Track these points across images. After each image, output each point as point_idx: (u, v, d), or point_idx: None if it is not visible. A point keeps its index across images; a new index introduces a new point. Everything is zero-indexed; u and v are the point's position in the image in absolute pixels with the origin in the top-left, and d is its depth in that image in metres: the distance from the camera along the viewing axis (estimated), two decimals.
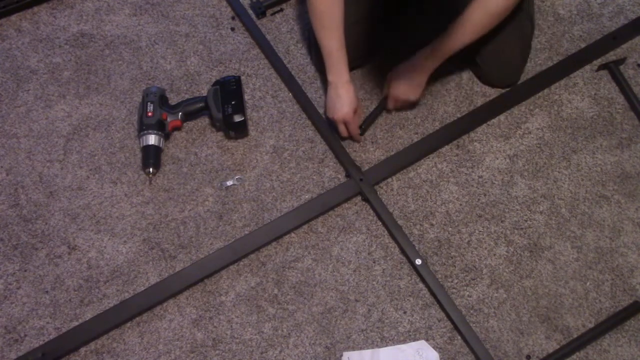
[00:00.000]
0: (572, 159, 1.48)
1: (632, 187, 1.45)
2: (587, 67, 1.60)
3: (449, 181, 1.46)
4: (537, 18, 1.65)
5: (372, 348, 1.28)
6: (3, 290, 1.35)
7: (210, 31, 1.68)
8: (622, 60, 1.58)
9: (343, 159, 1.46)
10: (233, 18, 1.70)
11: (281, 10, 1.70)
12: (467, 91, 1.57)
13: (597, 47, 1.62)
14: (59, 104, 1.57)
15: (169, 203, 1.44)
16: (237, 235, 1.40)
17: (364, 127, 1.50)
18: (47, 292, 1.35)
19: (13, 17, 1.70)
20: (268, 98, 1.58)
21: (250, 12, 1.70)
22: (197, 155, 1.50)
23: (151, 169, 1.45)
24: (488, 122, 1.53)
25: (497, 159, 1.49)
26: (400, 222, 1.40)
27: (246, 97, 1.57)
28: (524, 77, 1.58)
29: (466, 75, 1.59)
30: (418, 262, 1.33)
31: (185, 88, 1.59)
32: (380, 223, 1.41)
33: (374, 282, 1.35)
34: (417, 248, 1.37)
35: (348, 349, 1.29)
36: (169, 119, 1.48)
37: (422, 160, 1.49)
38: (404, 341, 1.29)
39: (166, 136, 1.50)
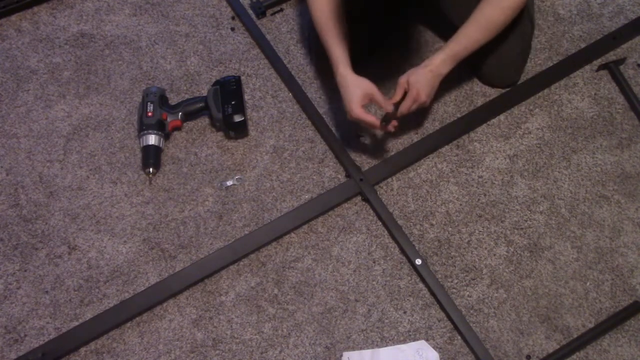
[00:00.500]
0: (572, 159, 1.48)
1: (632, 187, 1.45)
2: (587, 67, 1.60)
3: (449, 181, 1.46)
4: (537, 18, 1.65)
5: (372, 348, 1.28)
6: (3, 290, 1.35)
7: (210, 31, 1.68)
8: (622, 60, 1.58)
9: (343, 159, 1.46)
10: (233, 18, 1.70)
11: (281, 10, 1.70)
12: (467, 91, 1.57)
13: (597, 47, 1.62)
14: (59, 104, 1.57)
15: (169, 203, 1.44)
16: (237, 235, 1.40)
17: (386, 120, 1.35)
18: (47, 292, 1.35)
19: (13, 17, 1.70)
20: (268, 98, 1.58)
21: (250, 12, 1.70)
22: (197, 155, 1.50)
23: (151, 169, 1.45)
24: (488, 122, 1.53)
25: (497, 159, 1.49)
26: (400, 222, 1.40)
27: (246, 97, 1.57)
28: (524, 77, 1.58)
29: (466, 75, 1.59)
30: (418, 262, 1.33)
31: (185, 88, 1.59)
32: (380, 223, 1.41)
33: (374, 282, 1.35)
34: (417, 248, 1.37)
35: (348, 349, 1.29)
36: (169, 119, 1.48)
37: (422, 160, 1.49)
38: (404, 341, 1.29)
39: (166, 136, 1.50)
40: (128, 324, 1.31)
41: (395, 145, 1.51)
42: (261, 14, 1.69)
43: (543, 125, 1.53)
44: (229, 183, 1.46)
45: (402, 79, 1.32)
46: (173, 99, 1.56)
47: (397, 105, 1.33)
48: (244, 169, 1.48)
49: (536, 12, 1.64)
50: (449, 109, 1.55)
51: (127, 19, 1.70)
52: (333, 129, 1.51)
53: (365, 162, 1.48)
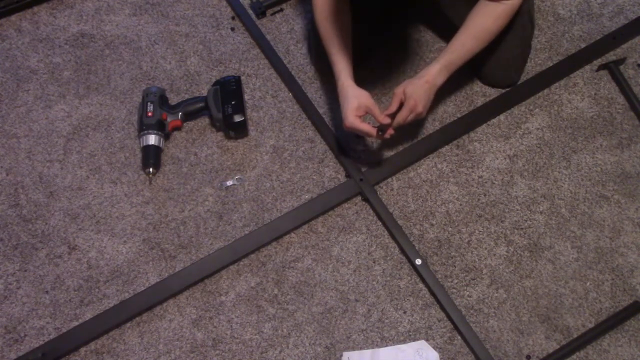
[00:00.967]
0: (572, 159, 1.48)
1: (632, 187, 1.45)
2: (587, 67, 1.60)
3: (449, 181, 1.46)
4: (537, 18, 1.65)
5: (372, 348, 1.28)
6: (3, 290, 1.35)
7: (210, 31, 1.68)
8: (622, 60, 1.58)
9: (343, 159, 1.46)
10: (233, 18, 1.70)
11: (281, 10, 1.70)
12: (467, 91, 1.57)
13: (597, 47, 1.62)
14: (59, 104, 1.58)
15: (169, 203, 1.44)
16: (237, 235, 1.40)
17: (382, 129, 1.35)
18: (47, 292, 1.35)
19: (13, 17, 1.70)
20: (268, 98, 1.58)
21: (250, 12, 1.70)
22: (197, 155, 1.50)
23: (151, 169, 1.45)
24: (488, 122, 1.53)
25: (497, 159, 1.49)
26: (400, 222, 1.40)
27: (246, 97, 1.57)
28: (524, 77, 1.58)
29: (466, 75, 1.59)
30: (418, 262, 1.33)
31: (185, 88, 1.59)
32: (380, 223, 1.41)
33: (374, 282, 1.35)
34: (417, 248, 1.37)
35: (348, 349, 1.29)
36: (169, 119, 1.48)
37: (422, 160, 1.49)
38: (404, 341, 1.29)
39: (166, 136, 1.50)
40: (128, 324, 1.31)
41: (395, 145, 1.51)
42: (261, 14, 1.69)
43: (543, 125, 1.53)
44: (229, 183, 1.46)
45: (398, 90, 1.30)
46: (173, 99, 1.56)
47: (392, 116, 1.32)
48: (244, 169, 1.48)
49: (536, 12, 1.64)
50: (449, 109, 1.55)
51: (127, 19, 1.70)
52: (333, 129, 1.51)
53: (365, 162, 1.48)
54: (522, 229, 1.40)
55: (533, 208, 1.42)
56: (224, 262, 1.35)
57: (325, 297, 1.34)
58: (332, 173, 1.48)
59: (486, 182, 1.46)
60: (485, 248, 1.38)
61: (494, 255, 1.37)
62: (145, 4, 1.73)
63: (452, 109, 1.55)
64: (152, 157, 1.45)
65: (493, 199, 1.44)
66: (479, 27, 1.31)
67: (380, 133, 1.33)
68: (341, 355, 1.28)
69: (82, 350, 1.29)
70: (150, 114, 1.46)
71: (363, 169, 1.45)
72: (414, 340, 1.29)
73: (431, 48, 1.63)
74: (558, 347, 1.28)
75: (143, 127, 1.46)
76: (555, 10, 1.69)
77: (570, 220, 1.41)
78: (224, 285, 1.35)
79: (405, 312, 1.32)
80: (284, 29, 1.68)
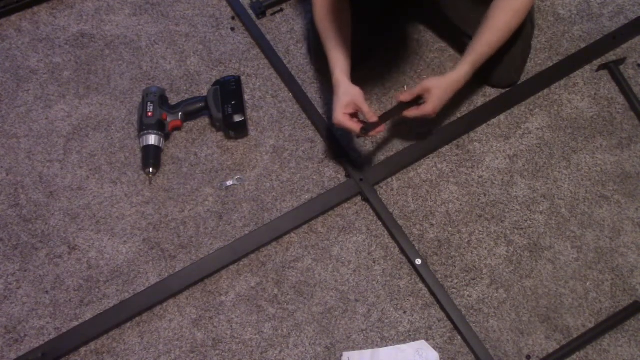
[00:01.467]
0: (572, 159, 1.48)
1: (632, 187, 1.45)
2: (587, 67, 1.60)
3: (449, 181, 1.46)
4: (537, 18, 1.65)
5: (372, 348, 1.28)
6: (3, 290, 1.35)
7: (210, 31, 1.68)
8: (622, 60, 1.58)
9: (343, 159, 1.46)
10: (233, 18, 1.70)
11: (281, 10, 1.70)
12: (467, 91, 1.57)
13: (597, 47, 1.62)
14: (59, 104, 1.58)
15: (169, 203, 1.44)
16: (237, 235, 1.40)
17: (366, 129, 1.32)
18: (47, 292, 1.35)
19: (13, 17, 1.70)
20: (268, 98, 1.58)
21: (250, 12, 1.70)
22: (197, 155, 1.50)
23: (151, 169, 1.45)
24: (488, 122, 1.53)
25: (497, 159, 1.49)
26: (400, 222, 1.40)
27: (246, 97, 1.57)
28: (524, 77, 1.58)
29: None
30: (418, 262, 1.33)
31: (185, 88, 1.59)
32: (380, 223, 1.41)
33: (374, 282, 1.35)
34: (417, 248, 1.37)
35: (348, 349, 1.29)
36: (169, 119, 1.48)
37: (422, 160, 1.49)
38: (404, 341, 1.29)
39: (166, 136, 1.50)
40: (128, 324, 1.31)
41: (395, 145, 1.51)
42: (261, 14, 1.69)
43: (543, 125, 1.53)
44: (229, 183, 1.46)
45: (427, 85, 1.29)
46: (173, 99, 1.56)
47: (384, 116, 1.31)
48: (244, 169, 1.48)
49: (536, 12, 1.64)
50: (449, 109, 1.55)
51: (127, 19, 1.70)
52: (333, 129, 1.51)
53: (365, 162, 1.48)
54: (522, 229, 1.40)
55: (533, 208, 1.42)
56: (224, 262, 1.35)
57: (325, 297, 1.34)
58: (332, 173, 1.48)
59: (486, 182, 1.46)
60: (485, 248, 1.38)
61: (494, 255, 1.37)
62: (145, 4, 1.73)
63: (452, 109, 1.55)
64: (152, 157, 1.45)
65: (493, 199, 1.44)
66: (500, 24, 1.31)
67: (363, 131, 1.29)
68: (341, 355, 1.28)
69: (82, 350, 1.29)
70: (150, 114, 1.46)
71: (363, 169, 1.45)
72: (414, 340, 1.29)
73: (431, 48, 1.63)
74: (558, 347, 1.28)
75: (143, 127, 1.46)
76: (555, 10, 1.69)
77: (570, 220, 1.41)
78: (224, 285, 1.35)
79: (405, 312, 1.32)
80: (284, 29, 1.68)
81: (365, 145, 1.51)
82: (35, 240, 1.40)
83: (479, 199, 1.44)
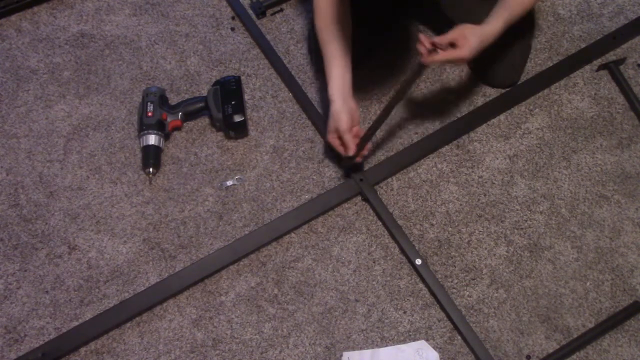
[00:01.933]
0: (572, 159, 1.48)
1: (632, 187, 1.45)
2: (587, 67, 1.60)
3: (449, 181, 1.46)
4: (537, 18, 1.65)
5: (372, 348, 1.28)
6: (3, 290, 1.35)
7: (210, 31, 1.68)
8: (622, 60, 1.58)
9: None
10: (233, 18, 1.70)
11: (281, 10, 1.70)
12: (467, 91, 1.57)
13: (597, 47, 1.61)
14: (59, 104, 1.57)
15: (169, 203, 1.44)
16: (237, 235, 1.40)
17: (344, 164, 1.42)
18: (47, 292, 1.35)
19: (13, 17, 1.70)
20: (268, 98, 1.58)
21: (250, 12, 1.70)
22: (197, 155, 1.50)
23: (151, 169, 1.45)
24: (488, 122, 1.53)
25: (497, 159, 1.49)
26: (400, 222, 1.40)
27: (246, 97, 1.57)
28: (524, 77, 1.58)
29: (466, 76, 1.59)
30: (418, 262, 1.33)
31: (185, 88, 1.59)
32: (380, 223, 1.41)
33: (374, 282, 1.35)
34: (417, 248, 1.37)
35: (348, 349, 1.29)
36: (169, 119, 1.48)
37: (422, 160, 1.49)
38: (404, 341, 1.29)
39: (166, 136, 1.50)
40: (128, 324, 1.31)
41: (395, 145, 1.51)
42: (261, 14, 1.69)
43: (543, 125, 1.53)
44: (229, 183, 1.46)
45: (463, 30, 1.21)
46: (173, 99, 1.56)
47: (420, 68, 1.23)
48: (244, 169, 1.48)
49: (536, 12, 1.64)
50: (449, 109, 1.55)
51: (127, 19, 1.70)
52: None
53: (365, 162, 1.48)
54: (522, 229, 1.40)
55: (533, 208, 1.42)
56: (224, 262, 1.35)
57: (325, 297, 1.34)
58: (332, 173, 1.48)
59: (486, 182, 1.46)
60: (485, 248, 1.38)
61: (494, 255, 1.37)
62: (145, 4, 1.73)
63: (452, 109, 1.55)
64: (152, 157, 1.45)
65: (493, 199, 1.44)
66: None
67: (343, 163, 1.41)
68: (341, 355, 1.28)
69: (82, 350, 1.29)
70: (150, 114, 1.46)
71: (363, 169, 1.45)
72: (414, 340, 1.29)
73: None
74: (558, 347, 1.28)
75: (143, 127, 1.46)
76: (555, 10, 1.69)
77: (570, 220, 1.41)
78: (224, 285, 1.35)
79: (405, 312, 1.32)
80: (284, 29, 1.68)
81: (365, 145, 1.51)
82: (35, 240, 1.40)
83: (479, 199, 1.44)
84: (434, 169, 1.48)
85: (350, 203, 1.44)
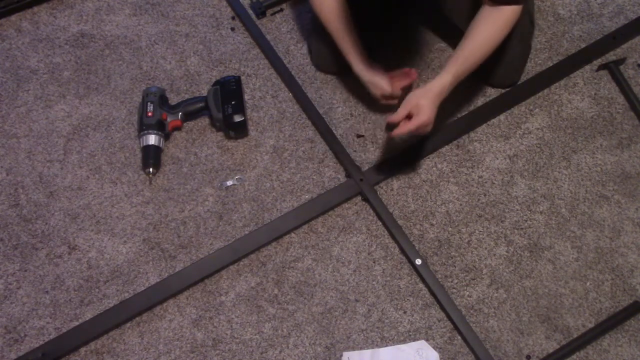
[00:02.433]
0: (572, 159, 1.48)
1: (632, 187, 1.45)
2: (587, 67, 1.60)
3: (449, 181, 1.46)
4: (537, 18, 1.65)
5: (372, 348, 1.28)
6: (3, 290, 1.35)
7: (210, 31, 1.68)
8: (622, 60, 1.58)
9: (343, 159, 1.46)
10: (233, 18, 1.70)
11: (281, 10, 1.70)
12: (467, 91, 1.57)
13: (597, 47, 1.62)
14: (59, 104, 1.57)
15: (169, 203, 1.44)
16: (237, 235, 1.40)
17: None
18: (47, 292, 1.35)
19: (13, 17, 1.70)
20: (268, 98, 1.58)
21: (250, 12, 1.70)
22: (197, 155, 1.50)
23: (151, 169, 1.45)
24: (488, 122, 1.53)
25: (497, 159, 1.49)
26: (400, 222, 1.40)
27: (246, 97, 1.57)
28: (524, 77, 1.58)
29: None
30: (418, 262, 1.33)
31: (185, 88, 1.59)
32: (380, 223, 1.41)
33: (374, 282, 1.35)
34: (417, 248, 1.37)
35: (348, 349, 1.29)
36: (169, 119, 1.48)
37: (422, 160, 1.49)
38: (404, 341, 1.29)
39: (166, 136, 1.50)
40: (128, 324, 1.31)
41: (395, 146, 1.51)
42: (261, 14, 1.69)
43: (543, 125, 1.53)
44: (229, 183, 1.46)
45: (413, 99, 1.26)
46: (173, 99, 1.56)
47: (391, 124, 1.28)
48: (244, 169, 1.48)
49: (536, 12, 1.64)
50: (449, 109, 1.55)
51: (127, 19, 1.70)
52: (333, 129, 1.51)
53: (365, 162, 1.48)
54: (522, 229, 1.40)
55: (533, 208, 1.42)
56: (224, 262, 1.35)
57: (325, 297, 1.34)
58: (332, 173, 1.48)
59: (486, 182, 1.46)
60: (485, 248, 1.38)
61: (494, 255, 1.37)
62: (145, 4, 1.73)
63: (452, 109, 1.55)
64: (152, 157, 1.45)
65: (493, 199, 1.44)
66: (484, 35, 1.28)
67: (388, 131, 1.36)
68: (341, 355, 1.28)
69: (82, 350, 1.29)
70: (150, 114, 1.46)
71: (363, 169, 1.45)
72: (414, 340, 1.29)
73: (431, 48, 1.63)
74: (558, 347, 1.28)
75: (143, 127, 1.46)
76: (555, 10, 1.69)
77: (570, 220, 1.41)
78: (224, 285, 1.35)
79: (405, 312, 1.32)
80: (284, 29, 1.68)
81: (365, 145, 1.51)
82: (35, 240, 1.40)
83: (479, 199, 1.44)
84: (434, 169, 1.48)
85: (350, 203, 1.44)
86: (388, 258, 1.38)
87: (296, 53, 1.64)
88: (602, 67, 1.58)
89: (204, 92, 1.56)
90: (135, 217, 1.43)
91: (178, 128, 1.52)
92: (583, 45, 1.63)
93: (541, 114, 1.54)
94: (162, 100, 1.50)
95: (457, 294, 1.33)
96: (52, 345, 1.27)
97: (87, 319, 1.30)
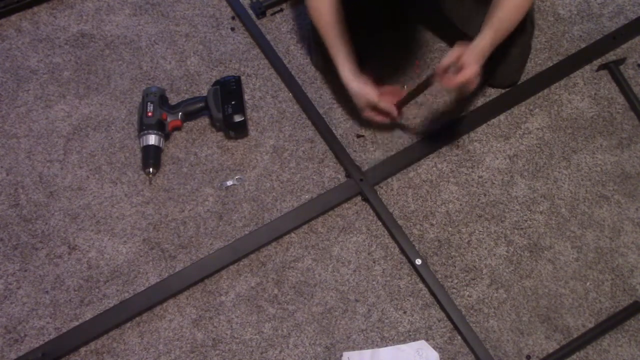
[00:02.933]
0: (572, 159, 1.48)
1: (632, 187, 1.45)
2: (587, 67, 1.60)
3: (449, 181, 1.46)
4: (537, 18, 1.65)
5: (372, 348, 1.28)
6: (3, 290, 1.35)
7: (210, 31, 1.68)
8: (622, 60, 1.58)
9: (343, 159, 1.46)
10: (233, 18, 1.70)
11: (281, 10, 1.70)
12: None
13: (597, 47, 1.62)
14: (59, 104, 1.57)
15: (169, 203, 1.44)
16: (237, 235, 1.40)
17: (400, 104, 1.40)
18: (47, 292, 1.35)
19: (13, 17, 1.70)
20: (268, 98, 1.58)
21: (250, 12, 1.70)
22: (197, 155, 1.50)
23: (151, 169, 1.45)
24: (488, 122, 1.53)
25: (497, 159, 1.49)
26: (400, 222, 1.40)
27: (246, 97, 1.57)
28: (524, 77, 1.58)
29: None
30: (418, 262, 1.33)
31: (185, 88, 1.59)
32: (380, 223, 1.41)
33: (374, 282, 1.35)
34: (417, 248, 1.37)
35: (348, 349, 1.29)
36: (169, 119, 1.48)
37: (422, 160, 1.49)
38: (404, 341, 1.29)
39: (166, 136, 1.50)
40: (128, 324, 1.31)
41: (395, 145, 1.51)
42: (261, 14, 1.69)
43: (543, 125, 1.53)
44: (229, 183, 1.46)
45: (459, 50, 1.21)
46: (173, 99, 1.56)
47: (428, 79, 1.27)
48: (244, 169, 1.48)
49: (536, 12, 1.64)
50: (449, 109, 1.55)
51: (127, 19, 1.70)
52: (333, 129, 1.51)
53: (365, 162, 1.48)
54: (522, 229, 1.40)
55: (533, 208, 1.42)
56: (224, 262, 1.35)
57: (325, 297, 1.34)
58: (332, 173, 1.48)
59: (486, 182, 1.46)
60: (485, 248, 1.38)
61: (494, 255, 1.37)
62: (145, 4, 1.73)
63: (452, 109, 1.55)
64: (152, 157, 1.45)
65: (493, 199, 1.44)
66: (514, 3, 1.26)
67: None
68: (341, 355, 1.28)
69: (82, 350, 1.29)
70: (150, 114, 1.46)
71: (363, 169, 1.45)
72: (414, 340, 1.29)
73: (431, 48, 1.63)
74: (558, 347, 1.28)
75: (143, 127, 1.46)
76: (555, 10, 1.69)
77: (570, 220, 1.41)
78: (224, 285, 1.35)
79: (405, 312, 1.32)
80: (284, 29, 1.68)
81: (365, 145, 1.51)
82: (35, 240, 1.40)
83: (479, 199, 1.44)
84: (434, 169, 1.48)
85: (350, 203, 1.44)
86: (388, 258, 1.38)
87: (296, 53, 1.64)
88: (602, 67, 1.58)
89: (204, 92, 1.56)
90: (135, 217, 1.43)
91: (178, 128, 1.52)
92: (583, 45, 1.63)
93: (541, 114, 1.54)
94: (162, 100, 1.50)
95: (457, 294, 1.33)
96: (52, 345, 1.27)
97: (87, 319, 1.30)
